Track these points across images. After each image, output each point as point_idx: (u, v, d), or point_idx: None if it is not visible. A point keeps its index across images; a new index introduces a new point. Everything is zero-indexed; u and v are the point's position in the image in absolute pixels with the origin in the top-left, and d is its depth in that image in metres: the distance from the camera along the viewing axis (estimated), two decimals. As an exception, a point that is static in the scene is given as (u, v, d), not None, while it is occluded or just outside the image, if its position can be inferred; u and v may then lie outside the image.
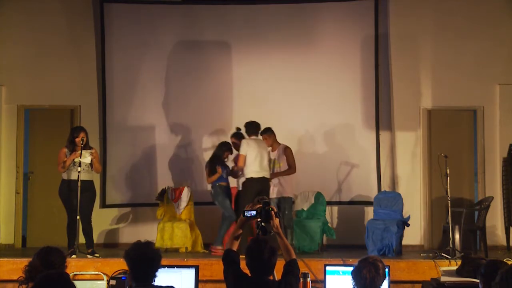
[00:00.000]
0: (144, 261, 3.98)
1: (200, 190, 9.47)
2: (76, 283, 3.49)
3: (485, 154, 9.48)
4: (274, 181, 8.52)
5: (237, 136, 8.76)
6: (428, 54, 9.61)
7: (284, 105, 9.57)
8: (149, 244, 4.09)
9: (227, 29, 9.75)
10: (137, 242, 4.12)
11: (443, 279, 6.19)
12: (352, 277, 3.96)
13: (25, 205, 9.62)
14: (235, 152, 8.72)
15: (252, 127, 8.46)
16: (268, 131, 8.64)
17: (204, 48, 9.73)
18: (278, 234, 4.33)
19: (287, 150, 8.64)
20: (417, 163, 9.53)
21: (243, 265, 4.16)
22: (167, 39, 9.73)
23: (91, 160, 7.88)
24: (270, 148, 8.64)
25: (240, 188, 8.58)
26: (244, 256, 4.12)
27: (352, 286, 3.97)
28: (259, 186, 8.20)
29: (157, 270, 4.04)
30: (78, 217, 7.73)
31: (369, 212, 8.99)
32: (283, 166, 8.58)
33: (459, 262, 6.62)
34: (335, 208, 9.58)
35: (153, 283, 4.01)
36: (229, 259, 4.23)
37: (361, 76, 9.59)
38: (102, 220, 9.46)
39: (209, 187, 8.79)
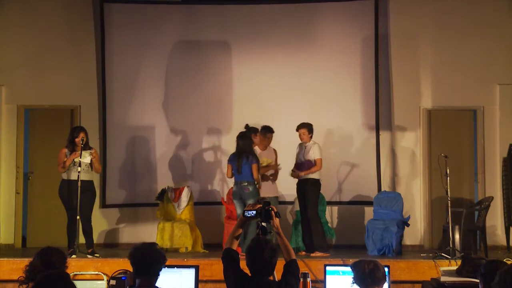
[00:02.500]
0: (150, 261, 3.96)
1: (200, 190, 9.48)
2: (76, 283, 3.49)
3: (485, 154, 9.48)
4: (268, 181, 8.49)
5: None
6: (428, 54, 9.61)
7: (284, 105, 9.55)
8: (154, 245, 4.08)
9: (227, 29, 9.73)
10: (142, 243, 4.10)
11: (443, 279, 6.20)
12: (352, 269, 4.08)
13: (25, 205, 9.61)
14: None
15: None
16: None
17: (204, 48, 9.72)
18: (278, 234, 4.33)
19: (274, 150, 8.63)
20: (417, 163, 9.54)
21: (243, 265, 4.16)
22: (167, 39, 9.71)
23: (91, 160, 7.89)
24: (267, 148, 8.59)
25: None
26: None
27: (351, 282, 4.06)
28: None
29: (160, 271, 4.02)
30: (78, 217, 7.74)
31: (369, 212, 8.98)
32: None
33: (459, 262, 6.64)
34: (335, 208, 9.58)
35: (155, 284, 4.00)
36: (229, 258, 4.23)
37: (361, 76, 9.57)
38: (102, 220, 9.48)
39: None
